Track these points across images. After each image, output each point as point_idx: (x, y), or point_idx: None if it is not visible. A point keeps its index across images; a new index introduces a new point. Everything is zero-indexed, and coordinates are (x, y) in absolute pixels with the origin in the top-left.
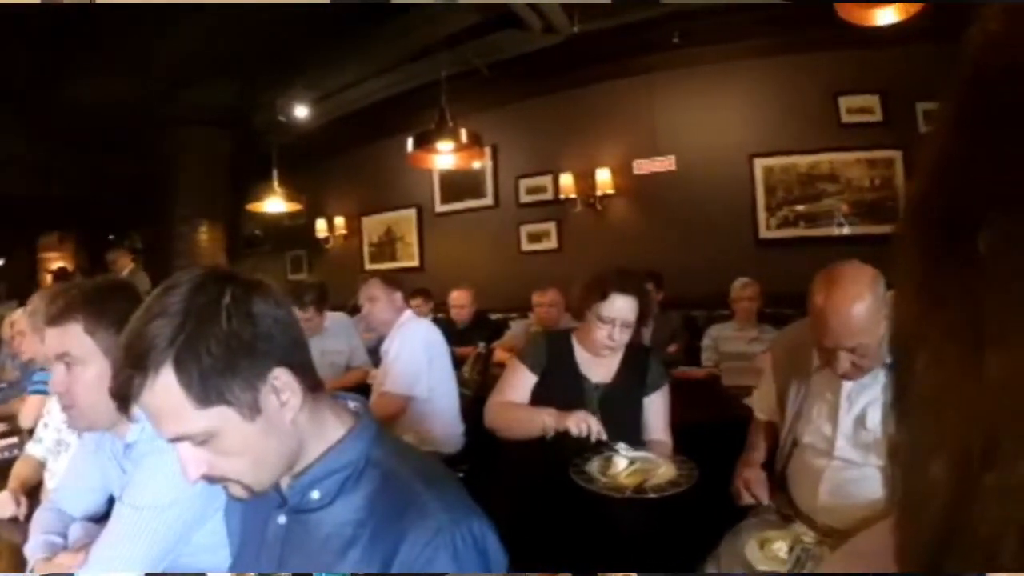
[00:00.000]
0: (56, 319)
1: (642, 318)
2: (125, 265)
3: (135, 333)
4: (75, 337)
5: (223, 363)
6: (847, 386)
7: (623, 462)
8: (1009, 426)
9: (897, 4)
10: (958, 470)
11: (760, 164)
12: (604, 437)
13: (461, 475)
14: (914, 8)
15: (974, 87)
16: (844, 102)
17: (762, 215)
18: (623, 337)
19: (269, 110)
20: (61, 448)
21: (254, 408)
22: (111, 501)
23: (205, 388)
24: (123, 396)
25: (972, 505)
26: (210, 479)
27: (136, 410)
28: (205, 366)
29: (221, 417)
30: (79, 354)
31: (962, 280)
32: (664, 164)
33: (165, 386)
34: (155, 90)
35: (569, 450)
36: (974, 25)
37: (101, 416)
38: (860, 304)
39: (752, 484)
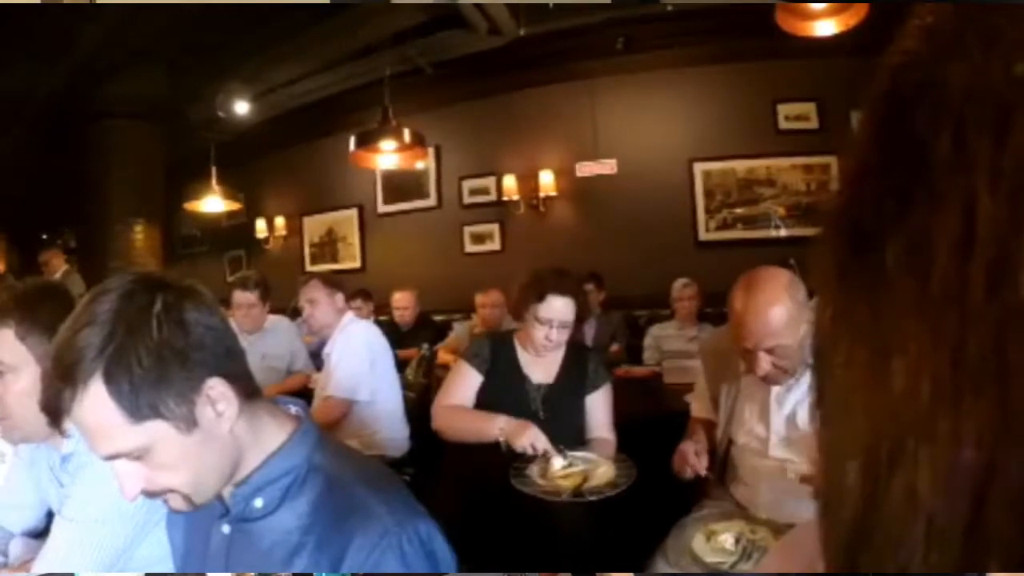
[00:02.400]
0: None
1: (580, 318)
2: (59, 266)
3: (63, 343)
4: (6, 343)
5: (155, 374)
6: (775, 387)
7: (561, 462)
8: (913, 430)
9: (836, 16)
10: (869, 472)
11: (700, 168)
12: (552, 451)
13: (407, 478)
14: (852, 20)
15: (889, 102)
16: (782, 109)
17: (701, 217)
18: (561, 337)
19: (207, 105)
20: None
21: (190, 421)
22: (51, 515)
23: (138, 401)
24: (54, 410)
25: (882, 506)
26: (149, 494)
27: (69, 424)
28: (136, 378)
29: (156, 432)
30: (11, 361)
31: (869, 289)
32: (606, 167)
33: (96, 399)
34: (79, 80)
35: (514, 453)
36: (893, 43)
37: (36, 427)
38: (777, 306)
39: (689, 454)
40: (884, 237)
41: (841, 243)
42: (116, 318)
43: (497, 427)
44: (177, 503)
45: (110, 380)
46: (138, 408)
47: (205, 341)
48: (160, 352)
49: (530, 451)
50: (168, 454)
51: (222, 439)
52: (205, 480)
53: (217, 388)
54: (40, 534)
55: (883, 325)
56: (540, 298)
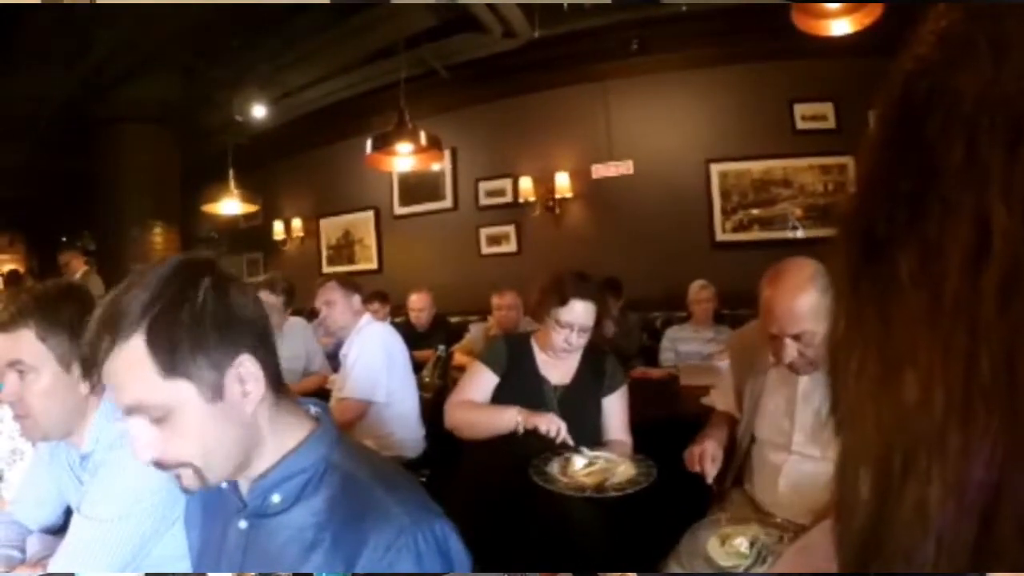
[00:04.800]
0: (7, 325)
1: (599, 322)
2: (78, 268)
3: (111, 302)
4: (27, 344)
5: (194, 337)
6: (803, 381)
7: (582, 461)
8: (925, 444)
9: (851, 15)
10: (881, 482)
11: (716, 169)
12: (570, 441)
13: (422, 479)
14: (867, 19)
15: (901, 109)
16: (799, 109)
17: (718, 219)
18: (580, 341)
19: (224, 109)
20: (16, 457)
21: (216, 391)
22: (69, 513)
23: (173, 358)
24: (89, 359)
25: (893, 518)
26: (161, 464)
27: (90, 421)
28: (176, 337)
29: (181, 393)
30: (31, 361)
31: (881, 298)
32: (622, 168)
33: (133, 351)
34: (94, 84)
35: (530, 452)
36: (904, 50)
37: (56, 425)
38: (804, 293)
39: (705, 457)
40: (896, 246)
41: (854, 249)
42: (167, 284)
43: (515, 410)
44: (189, 480)
45: (152, 335)
46: (172, 365)
47: (244, 319)
48: (202, 318)
49: (553, 432)
50: (189, 420)
51: (243, 419)
52: (218, 456)
53: (247, 365)
54: (58, 531)
55: (895, 336)
56: (562, 302)
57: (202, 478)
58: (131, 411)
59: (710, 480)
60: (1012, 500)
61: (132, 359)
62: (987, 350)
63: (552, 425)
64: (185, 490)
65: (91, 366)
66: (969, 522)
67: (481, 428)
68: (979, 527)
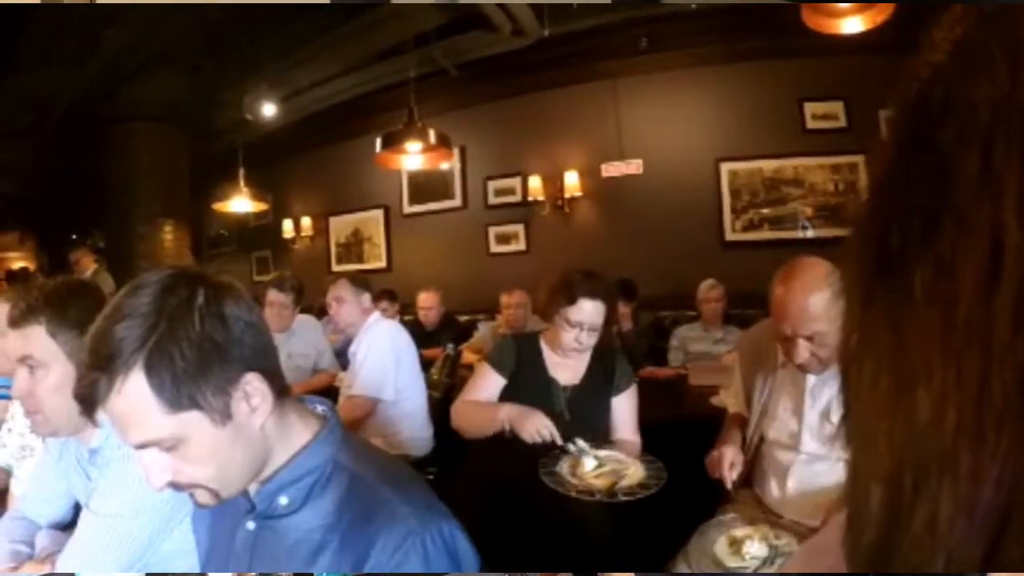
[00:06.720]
0: (18, 322)
1: (609, 321)
2: (88, 265)
3: (102, 334)
4: (37, 340)
5: (196, 367)
6: (811, 381)
7: (592, 462)
8: (937, 462)
9: (862, 13)
10: (892, 498)
11: (726, 168)
12: (559, 441)
13: (430, 477)
14: (879, 18)
15: (915, 117)
16: (809, 108)
17: (728, 218)
18: (590, 340)
19: (234, 108)
20: (26, 453)
21: (225, 414)
22: (78, 508)
23: (177, 392)
24: (88, 399)
25: (904, 534)
26: (176, 486)
27: (101, 415)
28: (178, 369)
29: (191, 422)
30: (41, 357)
31: (895, 314)
32: (632, 167)
33: (135, 389)
34: (103, 83)
35: (537, 450)
36: (918, 55)
37: (65, 421)
38: (817, 293)
39: (724, 463)
40: (910, 259)
41: (868, 259)
42: (159, 310)
43: (501, 414)
44: (203, 498)
45: (151, 371)
46: (177, 399)
47: (244, 336)
48: (201, 345)
49: (538, 439)
50: (200, 446)
51: (253, 434)
52: (232, 475)
53: (253, 383)
54: (67, 527)
55: (908, 352)
56: (571, 301)
57: (216, 495)
58: (142, 446)
59: (729, 486)
60: (1021, 521)
61: (134, 399)
62: (999, 372)
63: (533, 432)
64: (200, 505)
65: (91, 406)
66: (978, 541)
67: (475, 427)
68: (988, 547)
